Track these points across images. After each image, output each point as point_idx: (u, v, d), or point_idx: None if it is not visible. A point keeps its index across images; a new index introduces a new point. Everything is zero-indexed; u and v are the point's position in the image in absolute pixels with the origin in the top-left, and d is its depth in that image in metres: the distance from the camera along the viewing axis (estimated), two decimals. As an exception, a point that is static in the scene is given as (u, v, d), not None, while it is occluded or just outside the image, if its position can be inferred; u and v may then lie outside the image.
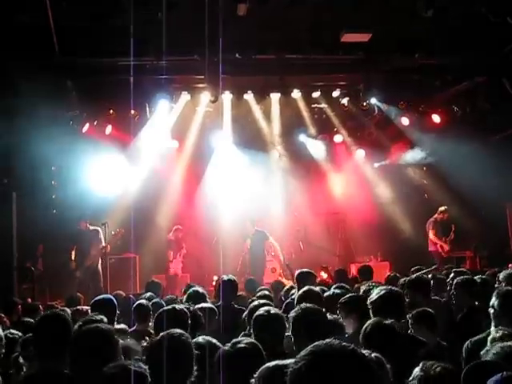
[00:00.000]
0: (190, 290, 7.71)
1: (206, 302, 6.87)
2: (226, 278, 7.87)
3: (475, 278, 7.49)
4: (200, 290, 7.67)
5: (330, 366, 2.12)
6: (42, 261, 14.03)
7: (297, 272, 8.26)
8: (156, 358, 3.90)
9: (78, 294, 9.56)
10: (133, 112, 13.68)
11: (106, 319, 5.25)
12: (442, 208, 14.57)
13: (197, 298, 7.06)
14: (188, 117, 14.96)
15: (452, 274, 8.22)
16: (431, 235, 14.53)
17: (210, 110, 14.82)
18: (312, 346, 2.19)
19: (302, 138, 16.35)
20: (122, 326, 6.30)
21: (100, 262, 13.40)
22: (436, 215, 14.60)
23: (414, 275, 7.73)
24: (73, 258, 13.21)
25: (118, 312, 6.46)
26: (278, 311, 5.21)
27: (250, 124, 15.48)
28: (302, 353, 2.18)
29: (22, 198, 12.34)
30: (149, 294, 8.23)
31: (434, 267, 11.96)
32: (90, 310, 7.08)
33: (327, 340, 2.22)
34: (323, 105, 15.04)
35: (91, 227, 13.42)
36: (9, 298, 9.66)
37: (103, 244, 13.34)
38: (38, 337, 4.75)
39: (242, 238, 15.06)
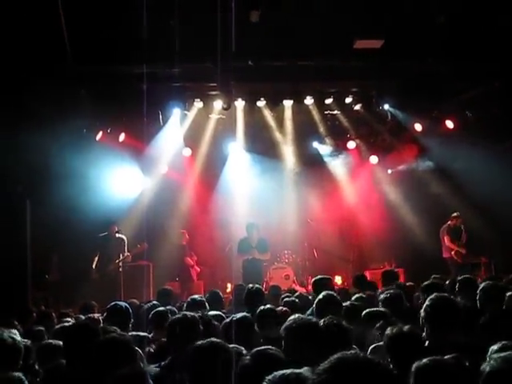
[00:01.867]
0: (188, 298, 7.75)
1: (204, 309, 6.90)
2: (253, 287, 7.80)
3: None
4: (197, 297, 7.69)
5: (354, 380, 2.06)
6: (57, 270, 14.07)
7: (313, 279, 8.21)
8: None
9: (92, 302, 9.54)
10: (146, 120, 13.73)
11: (118, 330, 5.27)
12: (455, 214, 14.52)
13: (195, 306, 7.13)
14: (201, 124, 15.00)
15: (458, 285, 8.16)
16: (447, 241, 14.48)
17: (223, 118, 14.85)
18: (335, 358, 2.13)
19: (315, 144, 16.35)
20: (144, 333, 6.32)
21: (120, 270, 13.43)
22: (449, 221, 14.57)
23: (430, 280, 7.67)
24: (94, 264, 13.28)
25: (132, 320, 6.47)
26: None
27: (263, 131, 15.49)
28: (325, 365, 2.12)
29: (37, 206, 12.39)
30: (153, 303, 8.12)
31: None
32: (103, 317, 7.11)
33: (351, 352, 2.15)
34: (336, 111, 15.02)
35: (117, 235, 13.47)
36: (24, 306, 9.69)
37: (127, 253, 13.40)
38: (70, 346, 4.90)
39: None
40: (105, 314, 7.02)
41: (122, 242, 13.39)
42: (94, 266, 13.25)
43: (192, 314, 5.46)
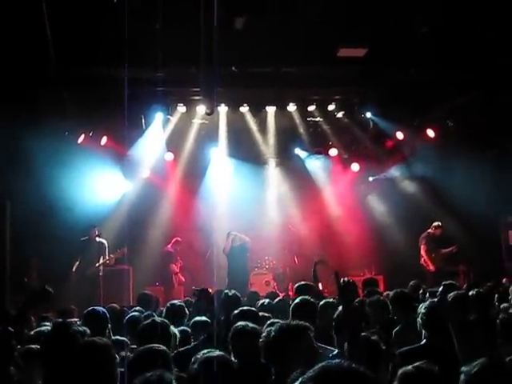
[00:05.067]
0: (168, 304, 7.74)
1: (184, 316, 6.94)
2: (230, 293, 7.81)
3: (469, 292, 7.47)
4: (177, 303, 7.68)
5: None
6: (36, 273, 13.93)
7: (296, 285, 8.25)
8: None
9: (71, 306, 9.47)
10: (128, 124, 13.68)
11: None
12: (436, 223, 14.51)
13: (174, 312, 7.14)
14: (183, 129, 14.96)
15: (441, 288, 8.19)
16: (422, 251, 14.50)
17: (206, 123, 14.83)
18: (320, 366, 2.13)
19: (298, 151, 16.38)
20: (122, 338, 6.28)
21: (100, 274, 13.34)
22: (429, 230, 14.58)
23: (396, 290, 7.65)
24: (74, 268, 13.20)
25: (109, 324, 6.44)
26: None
27: (246, 137, 15.49)
28: (309, 373, 2.12)
29: (17, 209, 12.28)
30: (135, 308, 8.13)
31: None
32: (79, 321, 7.06)
33: (336, 360, 2.17)
34: (318, 118, 15.06)
35: (98, 239, 13.39)
36: (2, 308, 9.56)
37: (107, 257, 13.33)
38: (48, 349, 4.84)
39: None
40: (82, 319, 6.98)
41: (103, 246, 13.33)
42: (74, 269, 13.19)
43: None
